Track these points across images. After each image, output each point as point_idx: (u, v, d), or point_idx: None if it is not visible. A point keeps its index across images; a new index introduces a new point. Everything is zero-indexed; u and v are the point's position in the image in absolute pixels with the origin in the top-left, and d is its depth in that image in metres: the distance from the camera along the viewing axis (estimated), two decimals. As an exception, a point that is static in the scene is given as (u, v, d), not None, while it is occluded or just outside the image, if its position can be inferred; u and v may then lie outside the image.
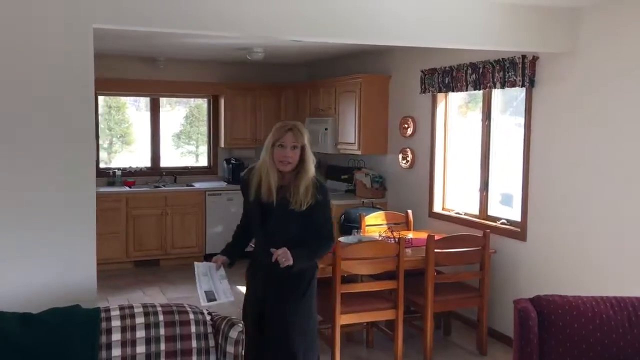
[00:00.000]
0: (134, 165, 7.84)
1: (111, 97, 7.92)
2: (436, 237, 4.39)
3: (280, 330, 3.04)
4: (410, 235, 4.97)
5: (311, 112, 7.49)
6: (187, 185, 7.62)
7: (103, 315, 2.36)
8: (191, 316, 2.42)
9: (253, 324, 3.04)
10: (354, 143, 6.48)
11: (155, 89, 7.73)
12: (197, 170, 8.19)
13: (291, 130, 3.01)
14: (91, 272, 2.94)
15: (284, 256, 2.91)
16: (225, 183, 7.83)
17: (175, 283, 6.51)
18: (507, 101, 5.04)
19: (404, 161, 6.14)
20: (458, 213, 5.46)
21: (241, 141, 7.88)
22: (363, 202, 6.22)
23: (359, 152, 6.47)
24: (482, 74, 4.79)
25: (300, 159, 3.01)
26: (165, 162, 8.07)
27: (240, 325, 2.44)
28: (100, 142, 7.79)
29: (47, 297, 2.78)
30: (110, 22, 2.92)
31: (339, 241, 4.49)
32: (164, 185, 7.53)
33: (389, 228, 4.94)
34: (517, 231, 4.69)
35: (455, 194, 5.66)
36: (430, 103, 5.71)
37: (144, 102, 8.05)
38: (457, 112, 5.63)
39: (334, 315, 4.06)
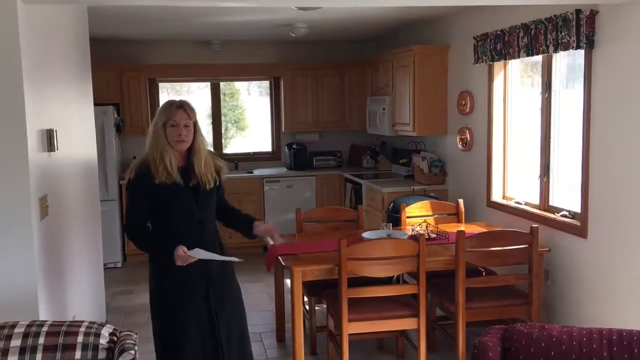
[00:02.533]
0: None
1: (226, 84, 7.82)
2: (472, 232, 3.71)
3: (233, 309, 3.02)
4: (461, 228, 4.29)
5: (373, 91, 6.90)
6: (248, 173, 7.36)
7: (-26, 336, 2.06)
8: (79, 339, 2.06)
9: (200, 322, 2.89)
10: (409, 123, 5.82)
11: (214, 73, 7.51)
12: (260, 156, 7.91)
13: (181, 107, 2.86)
14: (30, 279, 2.65)
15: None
16: (286, 169, 7.48)
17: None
18: (574, 69, 4.17)
19: (461, 143, 5.40)
20: (518, 203, 4.66)
21: (302, 125, 7.47)
22: (414, 189, 5.56)
23: (413, 134, 5.80)
24: (534, 36, 3.97)
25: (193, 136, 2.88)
26: (231, 148, 7.86)
27: (132, 352, 2.04)
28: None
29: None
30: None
31: (362, 237, 3.99)
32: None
33: (425, 221, 4.29)
34: (577, 226, 3.87)
35: (517, 180, 4.85)
36: (486, 75, 4.92)
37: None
38: (519, 85, 4.79)
39: (341, 322, 3.54)
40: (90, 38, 6.54)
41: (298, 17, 5.61)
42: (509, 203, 4.74)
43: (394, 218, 5.05)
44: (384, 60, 6.45)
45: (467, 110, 5.26)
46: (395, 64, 6.09)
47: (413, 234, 4.08)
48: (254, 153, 7.94)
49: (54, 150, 3.08)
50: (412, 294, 3.66)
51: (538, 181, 4.40)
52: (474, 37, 4.85)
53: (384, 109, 6.37)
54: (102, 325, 2.17)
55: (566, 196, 4.17)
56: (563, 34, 3.66)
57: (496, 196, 4.94)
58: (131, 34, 6.52)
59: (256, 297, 5.43)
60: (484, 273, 4.14)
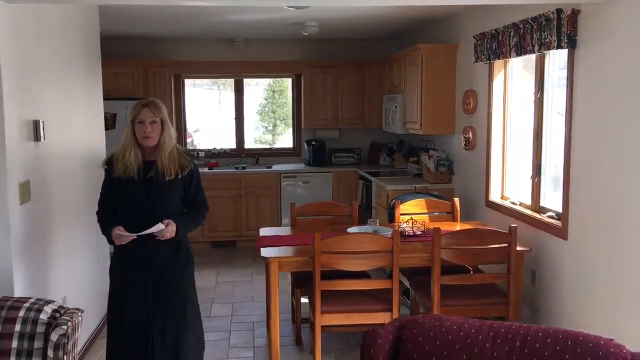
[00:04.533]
0: (218, 147, 7.93)
1: (275, 81, 8.07)
2: (450, 230, 3.74)
3: (173, 303, 3.09)
4: (456, 227, 4.33)
5: (389, 89, 6.94)
6: (267, 167, 7.52)
7: None
8: (21, 313, 2.23)
9: (138, 303, 3.03)
10: (417, 122, 5.84)
11: (237, 70, 7.70)
12: (281, 152, 8.06)
13: (147, 106, 3.06)
14: (6, 259, 2.87)
15: (170, 229, 3.01)
16: (305, 165, 7.60)
17: (235, 266, 6.46)
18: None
19: (465, 142, 5.38)
20: (513, 203, 4.63)
21: (321, 122, 7.57)
22: (415, 187, 5.57)
23: (421, 132, 5.81)
24: (523, 35, 3.95)
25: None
26: (252, 143, 8.04)
27: (64, 327, 2.19)
28: (265, 124, 8.14)
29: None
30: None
31: (346, 231, 4.06)
32: (243, 168, 7.50)
33: (411, 218, 4.32)
34: (559, 227, 3.82)
35: (514, 180, 4.81)
36: (487, 74, 4.90)
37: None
38: (519, 84, 4.75)
39: (314, 314, 3.64)
40: (116, 36, 6.89)
41: (308, 16, 5.71)
42: (505, 203, 4.71)
43: (393, 215, 5.09)
44: (397, 59, 6.48)
45: (471, 109, 5.24)
46: (406, 62, 6.11)
47: (399, 230, 4.13)
48: (275, 149, 8.10)
49: (40, 140, 3.29)
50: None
51: (530, 181, 4.36)
52: (473, 37, 4.83)
53: (396, 106, 6.40)
54: (48, 302, 2.34)
55: (554, 197, 4.12)
56: (546, 33, 3.63)
57: (494, 196, 4.92)
58: (156, 32, 6.78)
59: (258, 289, 5.58)
60: (471, 271, 4.14)
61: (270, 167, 7.51)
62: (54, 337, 2.17)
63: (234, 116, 7.95)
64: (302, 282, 4.13)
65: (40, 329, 2.22)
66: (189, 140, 8.43)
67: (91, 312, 4.16)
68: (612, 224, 3.30)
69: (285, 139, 8.25)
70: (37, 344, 2.19)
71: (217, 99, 8.13)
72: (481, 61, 4.75)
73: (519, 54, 4.05)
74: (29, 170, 3.17)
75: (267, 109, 8.37)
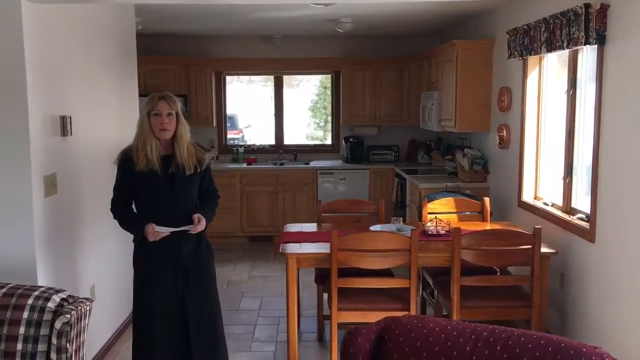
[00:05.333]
0: (257, 143, 8.03)
1: (326, 77, 8.12)
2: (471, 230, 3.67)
3: (203, 292, 3.22)
4: (485, 227, 4.25)
5: (427, 86, 6.85)
6: (305, 164, 7.56)
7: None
8: (29, 301, 2.33)
9: (170, 297, 3.12)
10: (451, 119, 5.75)
11: (276, 67, 7.77)
12: (320, 149, 8.08)
13: (163, 98, 3.10)
14: (30, 249, 3.01)
15: (202, 224, 3.13)
16: (342, 162, 7.60)
17: (269, 261, 6.52)
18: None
19: (499, 140, 5.26)
20: (545, 204, 4.50)
21: (359, 118, 7.55)
22: (446, 185, 5.49)
23: (455, 130, 5.72)
24: (552, 31, 3.82)
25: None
26: (293, 139, 8.10)
27: (67, 316, 2.28)
28: (317, 120, 8.28)
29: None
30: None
31: (369, 229, 4.05)
32: (281, 164, 7.56)
33: (436, 217, 4.26)
34: (587, 229, 3.69)
35: (548, 180, 4.67)
36: (521, 70, 4.77)
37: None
38: (554, 80, 4.60)
39: (330, 311, 3.64)
40: (158, 34, 7.07)
41: (341, 12, 5.70)
42: (537, 204, 4.59)
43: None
44: (435, 55, 6.39)
45: (505, 106, 5.12)
46: (442, 59, 6.02)
47: (423, 229, 4.10)
48: (314, 145, 8.13)
49: (68, 135, 3.42)
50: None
51: (562, 182, 4.23)
52: (507, 32, 4.72)
53: (432, 104, 6.32)
54: (58, 291, 2.43)
55: (586, 198, 3.98)
56: (574, 29, 3.50)
57: (527, 196, 4.79)
58: (196, 30, 6.92)
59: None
60: (498, 272, 4.06)
61: (308, 164, 7.54)
62: (57, 324, 2.26)
63: (273, 113, 8.02)
64: (323, 278, 4.14)
65: (47, 316, 2.31)
66: (239, 135, 8.58)
67: (122, 300, 4.30)
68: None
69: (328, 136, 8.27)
70: (44, 331, 2.29)
71: (269, 95, 8.20)
72: (514, 57, 4.64)
73: (549, 50, 3.92)
74: (55, 163, 3.30)
75: (318, 105, 8.42)
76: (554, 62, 4.54)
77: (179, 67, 7.31)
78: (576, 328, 3.86)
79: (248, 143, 8.13)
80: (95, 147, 3.91)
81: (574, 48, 3.59)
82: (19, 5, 2.88)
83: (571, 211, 4.11)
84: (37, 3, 2.99)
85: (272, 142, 8.06)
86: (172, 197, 3.10)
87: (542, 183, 4.72)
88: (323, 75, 8.12)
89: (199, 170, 3.18)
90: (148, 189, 3.10)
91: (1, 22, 2.89)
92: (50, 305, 2.35)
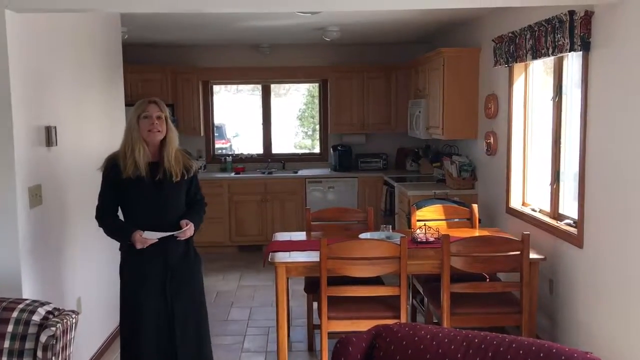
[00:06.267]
0: (245, 152, 8.01)
1: (314, 86, 8.10)
2: (459, 237, 3.67)
3: (190, 299, 3.20)
4: (473, 234, 4.25)
5: (414, 94, 6.87)
6: (293, 172, 7.54)
7: None
8: (14, 314, 2.29)
9: (157, 304, 3.10)
10: (439, 126, 5.76)
11: (264, 76, 7.76)
12: (308, 157, 8.07)
13: (154, 102, 3.10)
14: (14, 262, 2.96)
15: (190, 230, 3.12)
16: (330, 170, 7.59)
17: (259, 270, 6.48)
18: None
19: (486, 147, 5.29)
20: (533, 210, 4.52)
21: (347, 127, 7.55)
22: (435, 193, 5.50)
23: (442, 137, 5.74)
24: (537, 38, 3.85)
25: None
26: (281, 148, 8.08)
27: (53, 329, 2.24)
28: (305, 129, 8.27)
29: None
30: (25, 7, 2.89)
31: (359, 237, 4.04)
32: (269, 173, 7.54)
33: (425, 224, 4.26)
34: (574, 235, 3.71)
35: (535, 187, 4.69)
36: (507, 78, 4.80)
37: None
38: (540, 87, 4.63)
39: (320, 320, 3.62)
40: (144, 43, 7.04)
41: (328, 21, 5.72)
42: (525, 210, 4.60)
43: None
44: (422, 63, 6.42)
45: (492, 113, 5.15)
46: (429, 67, 6.05)
47: (412, 236, 4.09)
48: (302, 154, 8.12)
49: (53, 145, 3.38)
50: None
51: (549, 188, 4.25)
52: (492, 40, 4.75)
53: (419, 111, 6.34)
54: (43, 304, 2.40)
55: (574, 204, 4.00)
56: (559, 36, 3.53)
57: (515, 203, 4.81)
58: (183, 39, 6.90)
59: (278, 293, 5.58)
60: (488, 279, 4.07)
61: (297, 172, 7.52)
62: (42, 338, 2.23)
63: (261, 122, 8.01)
64: (313, 287, 4.12)
65: (32, 330, 2.27)
66: (226, 145, 8.56)
67: (109, 312, 4.24)
68: (628, 232, 3.17)
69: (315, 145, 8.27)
70: (29, 344, 2.25)
71: (257, 104, 8.19)
72: (500, 65, 4.67)
73: (534, 57, 3.95)
74: (40, 174, 3.26)
75: (306, 114, 8.42)
76: (539, 69, 4.57)
77: (165, 76, 7.28)
78: (566, 333, 3.87)
79: (236, 152, 8.10)
80: (82, 158, 3.87)
81: (559, 55, 3.62)
82: (2, 14, 2.86)
83: (559, 217, 4.13)
84: (22, 12, 2.96)
85: (261, 151, 8.04)
86: (159, 204, 3.08)
87: (529, 189, 4.74)
88: (311, 84, 8.12)
89: (186, 178, 3.15)
90: (135, 196, 3.07)
91: (-15, 31, 2.85)
92: (36, 318, 2.31)
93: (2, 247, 2.96)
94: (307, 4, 3.40)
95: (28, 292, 3.06)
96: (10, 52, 2.90)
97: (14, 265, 2.98)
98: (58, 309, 2.43)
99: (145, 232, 3.00)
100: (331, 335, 3.65)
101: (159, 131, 3.05)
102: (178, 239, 3.08)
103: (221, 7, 3.19)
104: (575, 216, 3.84)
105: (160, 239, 3.03)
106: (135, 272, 3.11)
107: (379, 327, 1.95)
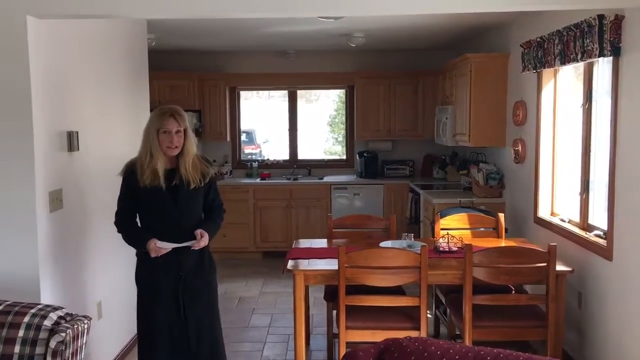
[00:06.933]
0: (271, 158, 8.01)
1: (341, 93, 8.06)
2: (483, 247, 3.58)
3: (204, 307, 3.17)
4: (499, 244, 4.15)
5: (442, 100, 6.77)
6: (318, 179, 7.51)
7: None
8: (26, 319, 2.29)
9: (171, 312, 3.09)
10: (465, 133, 5.66)
11: (290, 82, 7.75)
12: (334, 164, 8.02)
13: (172, 116, 3.06)
14: (33, 265, 2.98)
15: (205, 240, 3.08)
16: (356, 177, 7.53)
17: (282, 277, 6.43)
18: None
19: (514, 155, 5.16)
20: (562, 220, 4.38)
21: (373, 133, 7.48)
22: (460, 201, 5.38)
23: (469, 144, 5.63)
24: (566, 43, 3.74)
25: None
26: (310, 154, 8.05)
27: (62, 335, 2.23)
28: (335, 135, 8.24)
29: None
30: (47, 13, 2.92)
31: (379, 246, 3.97)
32: (295, 179, 7.52)
33: (447, 233, 4.16)
34: (604, 246, 3.57)
35: (564, 196, 4.56)
36: (536, 84, 4.68)
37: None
38: (570, 94, 4.49)
39: (339, 329, 3.56)
40: (172, 50, 7.10)
41: (354, 27, 5.67)
42: (554, 220, 4.47)
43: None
44: (449, 69, 6.32)
45: (520, 120, 5.03)
46: (456, 73, 5.95)
47: (435, 246, 4.02)
48: (328, 160, 8.08)
49: (75, 150, 3.41)
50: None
51: (579, 198, 4.11)
52: (520, 45, 4.64)
53: (446, 118, 6.24)
54: (56, 309, 2.39)
55: (602, 215, 3.86)
56: (588, 40, 3.42)
57: (543, 212, 4.67)
58: (210, 45, 6.93)
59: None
60: (513, 291, 3.96)
61: (322, 179, 7.48)
62: (52, 343, 2.22)
63: (287, 127, 8.00)
64: (333, 295, 4.06)
65: (43, 335, 2.27)
66: (256, 150, 8.57)
67: (130, 316, 4.24)
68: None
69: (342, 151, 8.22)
70: (39, 350, 2.25)
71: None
72: (528, 70, 4.55)
73: (563, 63, 3.84)
74: (62, 179, 3.28)
75: (337, 120, 8.37)
76: (569, 75, 4.44)
77: (193, 82, 7.32)
78: (595, 348, 3.73)
79: (264, 158, 8.10)
80: (104, 163, 3.89)
81: (589, 60, 3.50)
82: (24, 21, 2.88)
83: (588, 228, 4.00)
84: (44, 18, 2.99)
85: (287, 157, 8.02)
86: (176, 211, 3.07)
87: (558, 199, 4.60)
88: (340, 90, 8.07)
89: (202, 184, 3.13)
90: (151, 203, 3.07)
91: (6, 38, 2.89)
92: (47, 323, 2.31)
93: (21, 251, 2.98)
94: (329, 9, 3.34)
95: (47, 296, 3.07)
96: (31, 58, 2.93)
97: (33, 269, 3.00)
98: (71, 314, 2.43)
99: (160, 242, 2.99)
100: (350, 345, 3.59)
101: (176, 147, 3.06)
102: (192, 248, 3.06)
103: (240, 13, 3.16)
104: (605, 227, 3.71)
105: (175, 248, 3.02)
106: (149, 280, 3.12)
107: (388, 340, 1.89)
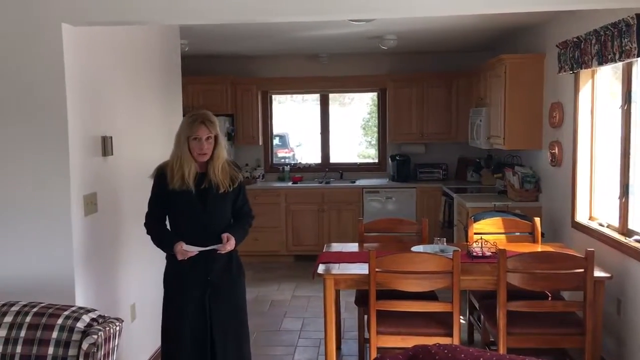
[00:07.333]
0: (303, 161, 8.02)
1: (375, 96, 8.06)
2: (517, 252, 3.50)
3: (230, 312, 3.18)
4: (536, 249, 4.06)
5: (476, 102, 6.68)
6: (351, 182, 7.48)
7: (-18, 311, 2.42)
8: (59, 321, 2.32)
9: (197, 315, 3.11)
10: (500, 136, 5.56)
11: (322, 85, 7.75)
12: (366, 167, 7.98)
13: (203, 122, 3.07)
14: (69, 267, 3.04)
15: (231, 243, 3.09)
16: (388, 180, 7.48)
17: (314, 281, 6.41)
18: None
19: (551, 157, 5.05)
20: (601, 225, 4.27)
21: (406, 136, 7.42)
22: (494, 205, 5.29)
23: (503, 147, 5.53)
24: (604, 43, 3.64)
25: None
26: (342, 158, 8.03)
27: (94, 337, 2.25)
28: (368, 138, 8.25)
29: (27, 286, 3.01)
30: (82, 20, 2.98)
31: (411, 250, 3.93)
32: (327, 182, 7.51)
33: (481, 238, 4.08)
34: (643, 252, 3.46)
35: (603, 200, 4.43)
36: (572, 84, 4.57)
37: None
38: (608, 95, 4.38)
39: (370, 334, 3.53)
40: (205, 55, 7.18)
41: (385, 29, 5.64)
42: (592, 225, 4.35)
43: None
44: (483, 70, 6.23)
45: (557, 122, 4.91)
46: (490, 74, 5.86)
47: (468, 250, 3.95)
48: (360, 164, 8.04)
49: (109, 155, 3.46)
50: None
51: (618, 201, 3.99)
52: (556, 45, 4.54)
53: (480, 120, 6.15)
54: (88, 311, 2.43)
55: (644, 219, 3.75)
56: (626, 40, 3.32)
57: (581, 217, 4.55)
58: (243, 50, 6.98)
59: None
60: (550, 297, 3.87)
61: (354, 182, 7.46)
62: (84, 345, 2.25)
63: (319, 131, 8.00)
64: (364, 300, 4.03)
65: (76, 336, 2.30)
66: (289, 154, 8.60)
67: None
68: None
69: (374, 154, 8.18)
70: (72, 351, 2.28)
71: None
72: (565, 71, 4.45)
73: (600, 63, 3.74)
74: (96, 183, 3.34)
75: (370, 123, 8.35)
76: (607, 76, 4.32)
77: (225, 87, 7.39)
78: (634, 356, 3.61)
79: (296, 162, 8.12)
80: (137, 167, 3.93)
81: (627, 60, 3.40)
82: (59, 28, 2.94)
83: (628, 233, 3.88)
84: (78, 26, 3.05)
85: (319, 160, 8.02)
86: (204, 215, 3.09)
87: (597, 203, 4.48)
88: (373, 93, 8.03)
89: (231, 189, 3.15)
90: (180, 207, 3.10)
91: (42, 45, 2.95)
92: (80, 325, 2.34)
93: (56, 254, 3.03)
94: (360, 11, 3.31)
95: (81, 299, 3.12)
96: (66, 65, 2.98)
97: (68, 271, 3.05)
98: (103, 317, 2.46)
99: (187, 245, 3.01)
100: (381, 350, 3.55)
101: (206, 153, 3.09)
102: (218, 252, 3.08)
103: (271, 17, 3.16)
104: (645, 232, 3.60)
105: (202, 252, 3.03)
106: (176, 283, 3.15)
107: (417, 347, 1.86)
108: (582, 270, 3.39)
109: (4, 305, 2.44)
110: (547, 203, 5.31)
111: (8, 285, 3.03)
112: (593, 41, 3.80)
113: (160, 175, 3.14)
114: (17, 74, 2.98)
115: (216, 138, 3.13)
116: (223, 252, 3.08)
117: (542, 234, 4.48)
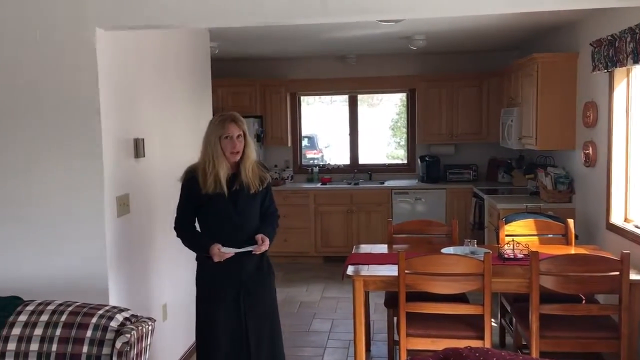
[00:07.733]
0: (332, 163, 8.02)
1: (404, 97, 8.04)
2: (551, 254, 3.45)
3: (264, 311, 3.21)
4: (569, 251, 4.00)
5: (507, 102, 6.59)
6: (380, 183, 7.46)
7: (20, 309, 2.47)
8: (93, 320, 2.36)
9: (231, 315, 3.13)
10: (532, 136, 5.48)
11: (351, 86, 7.74)
12: (395, 168, 7.95)
13: (233, 121, 3.12)
14: (102, 268, 3.09)
15: (266, 244, 3.12)
16: (418, 181, 7.43)
17: (343, 282, 6.40)
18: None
19: (585, 158, 4.95)
20: (637, 226, 4.17)
21: (436, 137, 7.36)
22: (527, 206, 5.20)
23: (535, 147, 5.45)
24: (638, 41, 3.56)
25: None
26: (371, 159, 8.01)
27: (127, 336, 2.29)
28: (397, 139, 8.24)
29: (63, 285, 3.08)
30: (115, 25, 3.03)
31: (441, 252, 3.89)
32: (356, 183, 7.50)
33: (513, 240, 4.03)
34: (682, 256, 3.37)
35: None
36: (607, 83, 4.48)
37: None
38: (644, 94, 4.28)
39: (399, 336, 3.51)
40: (234, 58, 7.24)
41: (414, 30, 5.61)
42: (627, 226, 4.25)
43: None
44: (514, 70, 6.14)
45: (591, 122, 4.82)
46: (522, 74, 5.78)
47: (499, 252, 3.90)
48: (389, 165, 8.01)
49: (141, 157, 3.52)
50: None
51: (654, 203, 3.90)
52: (590, 44, 4.45)
53: (512, 120, 6.06)
54: (122, 310, 2.47)
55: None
56: (663, 37, 3.24)
57: (616, 218, 4.46)
58: (271, 52, 7.02)
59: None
60: (584, 300, 3.79)
61: (383, 183, 7.43)
62: (117, 344, 2.29)
63: (348, 132, 7.99)
64: (393, 302, 4.01)
65: (109, 335, 2.34)
66: (318, 155, 8.62)
67: (194, 317, 4.33)
68: None
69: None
70: (106, 350, 2.32)
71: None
72: (599, 70, 4.36)
73: (636, 62, 3.65)
74: (128, 184, 3.39)
75: (399, 123, 8.32)
76: (643, 75, 4.23)
77: (254, 89, 7.44)
78: (673, 364, 3.52)
79: (325, 163, 8.13)
80: (168, 168, 3.98)
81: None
82: (93, 33, 3.00)
83: (665, 235, 3.78)
84: (111, 30, 3.10)
85: (347, 161, 8.01)
86: (236, 217, 3.11)
87: (632, 204, 4.38)
88: (402, 94, 7.99)
89: (260, 189, 3.17)
90: (212, 210, 3.12)
91: (77, 49, 3.01)
92: (113, 324, 2.38)
93: (90, 254, 3.09)
94: (389, 12, 3.30)
95: (114, 298, 3.18)
96: (100, 69, 3.04)
97: (102, 271, 3.11)
98: (136, 316, 2.49)
99: (223, 247, 3.03)
100: (411, 352, 3.53)
101: (238, 152, 3.12)
102: (253, 253, 3.09)
103: (300, 19, 3.17)
104: (684, 234, 3.50)
105: (235, 253, 3.06)
106: (210, 286, 3.17)
107: (448, 350, 1.84)
108: (617, 273, 3.32)
109: (40, 304, 2.49)
110: (580, 204, 5.21)
111: (44, 285, 3.10)
112: (628, 39, 3.72)
113: (191, 178, 3.15)
114: (53, 79, 3.05)
115: (245, 136, 3.15)
116: (258, 252, 3.10)
117: (576, 236, 4.40)
